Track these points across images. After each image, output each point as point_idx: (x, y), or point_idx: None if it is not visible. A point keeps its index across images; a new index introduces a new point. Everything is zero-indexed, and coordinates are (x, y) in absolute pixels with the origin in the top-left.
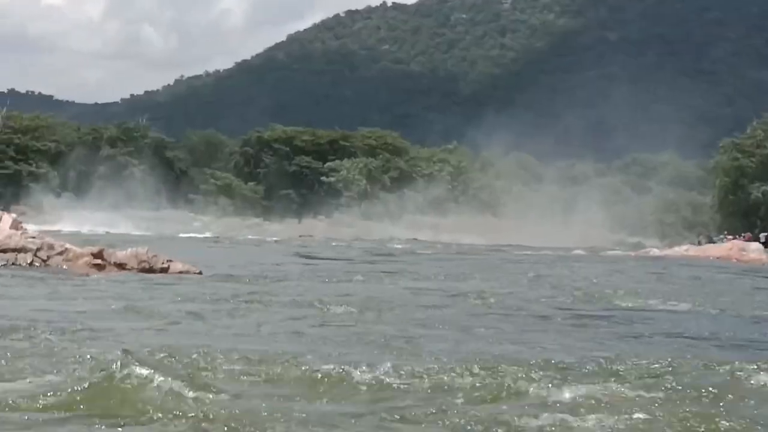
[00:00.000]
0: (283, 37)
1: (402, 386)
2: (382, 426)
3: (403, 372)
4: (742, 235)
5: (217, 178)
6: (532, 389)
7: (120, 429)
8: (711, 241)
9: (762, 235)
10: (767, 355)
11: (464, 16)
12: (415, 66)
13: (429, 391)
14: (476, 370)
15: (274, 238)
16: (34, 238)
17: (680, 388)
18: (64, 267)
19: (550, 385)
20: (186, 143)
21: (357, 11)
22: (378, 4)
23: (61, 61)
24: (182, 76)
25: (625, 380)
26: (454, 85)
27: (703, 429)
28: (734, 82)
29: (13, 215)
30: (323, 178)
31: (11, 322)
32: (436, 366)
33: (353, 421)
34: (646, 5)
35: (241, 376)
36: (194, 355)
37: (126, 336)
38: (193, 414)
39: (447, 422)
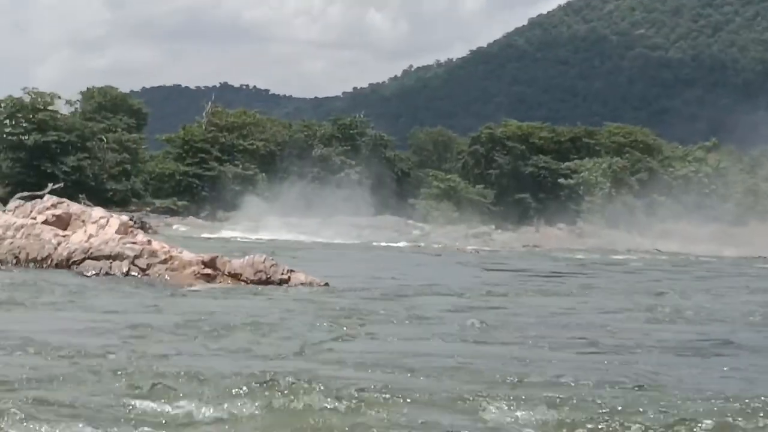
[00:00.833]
0: (524, 21)
1: None
2: None
3: None
4: None
5: (440, 180)
6: None
7: None
8: None
9: None
10: None
11: None
12: (675, 53)
13: None
14: None
15: (472, 248)
16: (135, 243)
17: None
18: (167, 277)
19: None
20: (412, 142)
21: None
22: None
23: (278, 52)
24: (411, 66)
25: None
26: (722, 74)
27: None
28: None
29: (124, 217)
30: (560, 180)
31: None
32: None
33: None
34: None
35: None
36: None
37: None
38: None
39: None
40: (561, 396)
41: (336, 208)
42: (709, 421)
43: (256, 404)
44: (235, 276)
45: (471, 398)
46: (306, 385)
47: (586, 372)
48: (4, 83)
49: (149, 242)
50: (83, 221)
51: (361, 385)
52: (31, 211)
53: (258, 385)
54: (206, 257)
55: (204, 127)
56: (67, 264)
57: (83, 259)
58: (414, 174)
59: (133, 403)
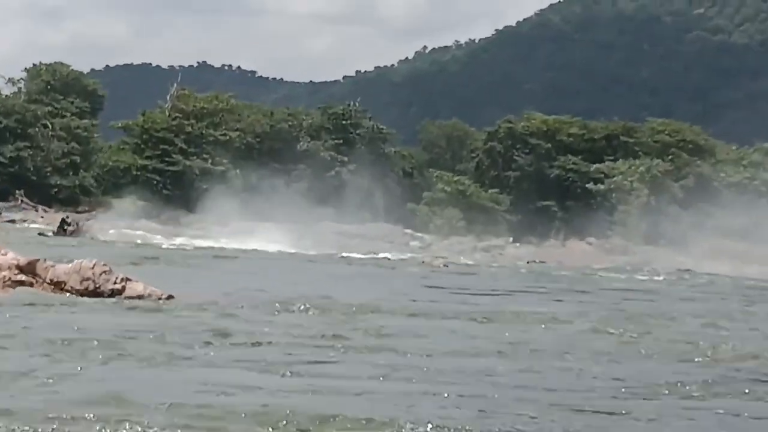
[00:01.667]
0: None
1: None
2: None
3: None
4: None
5: (446, 182)
6: None
7: None
8: None
9: None
10: None
11: None
12: (739, 37)
13: None
14: None
15: (443, 262)
16: None
17: None
18: None
19: None
20: (423, 137)
21: None
22: None
23: (268, 28)
24: (425, 47)
25: None
26: None
27: None
28: None
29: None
30: (589, 186)
31: None
32: None
33: None
34: None
35: None
36: None
37: None
38: None
39: None
40: None
41: (322, 214)
42: None
43: None
44: (59, 284)
45: None
46: None
47: None
48: None
49: None
50: None
51: None
52: None
53: None
54: (23, 261)
55: (167, 114)
56: None
57: None
58: (421, 174)
59: None
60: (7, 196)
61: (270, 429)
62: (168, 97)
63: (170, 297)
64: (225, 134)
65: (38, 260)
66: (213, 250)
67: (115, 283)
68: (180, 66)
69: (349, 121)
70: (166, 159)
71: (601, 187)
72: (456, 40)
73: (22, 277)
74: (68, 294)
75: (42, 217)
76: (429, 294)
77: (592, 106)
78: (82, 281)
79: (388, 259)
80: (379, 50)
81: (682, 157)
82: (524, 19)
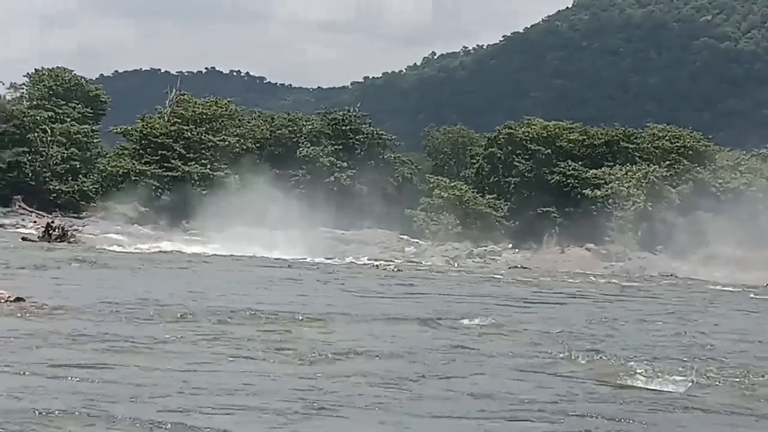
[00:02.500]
0: (568, 3)
1: None
2: None
3: None
4: None
5: (443, 188)
6: None
7: None
8: None
9: None
10: None
11: None
12: (747, 44)
13: None
14: None
15: (393, 265)
16: None
17: None
18: None
19: None
20: (428, 143)
21: None
22: None
23: (277, 34)
24: (433, 54)
25: None
26: None
27: None
28: None
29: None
30: (586, 192)
31: None
32: None
33: None
34: None
35: None
36: None
37: None
38: None
39: None
40: None
41: (319, 219)
42: None
43: None
44: None
45: None
46: None
47: None
48: None
49: None
50: None
51: None
52: None
53: None
54: None
55: (166, 119)
56: None
57: None
58: (423, 181)
59: None
60: (6, 201)
61: None
62: (167, 103)
63: (19, 299)
64: (224, 140)
65: None
66: (196, 256)
67: None
68: (188, 72)
69: (348, 127)
70: (165, 164)
71: (598, 192)
72: (464, 47)
73: None
74: None
75: (34, 222)
76: (325, 297)
77: (600, 114)
78: None
79: (354, 263)
80: (387, 57)
81: (682, 163)
82: (532, 26)
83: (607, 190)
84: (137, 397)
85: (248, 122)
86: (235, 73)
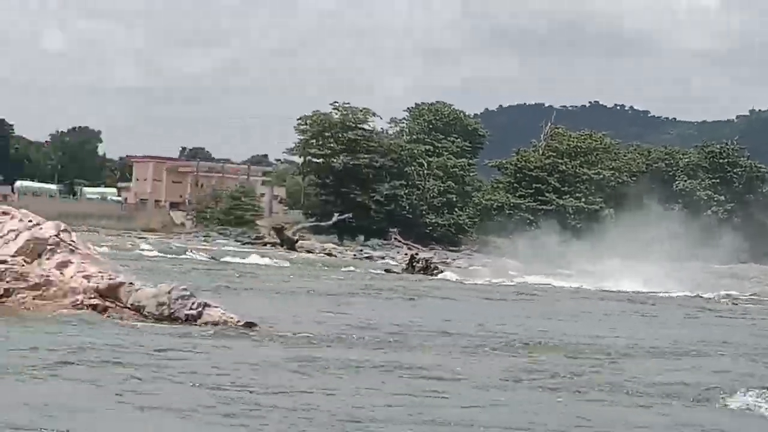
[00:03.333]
0: None
1: None
2: None
3: None
4: None
5: None
6: None
7: None
8: None
9: None
10: None
11: None
12: None
13: None
14: None
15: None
16: (3, 262)
17: None
18: (27, 308)
19: None
20: None
21: None
22: None
23: (662, 66)
24: None
25: None
26: None
27: None
28: None
29: (43, 231)
30: None
31: None
32: None
33: None
34: None
35: None
36: None
37: None
38: None
39: None
40: None
41: (695, 253)
42: None
43: None
44: (139, 309)
45: None
46: None
47: None
48: (339, 95)
49: (64, 265)
50: None
51: None
52: None
53: None
54: (103, 285)
55: (541, 152)
56: None
57: None
58: None
59: None
60: (382, 233)
61: None
62: (542, 136)
63: (250, 325)
64: (599, 173)
65: (122, 284)
66: (552, 289)
67: (191, 308)
68: (572, 106)
69: (726, 160)
70: (539, 197)
71: None
72: None
73: (97, 301)
74: (143, 319)
75: (405, 254)
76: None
77: None
78: (157, 306)
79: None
80: None
81: None
82: None
83: None
84: None
85: (624, 155)
86: (618, 107)
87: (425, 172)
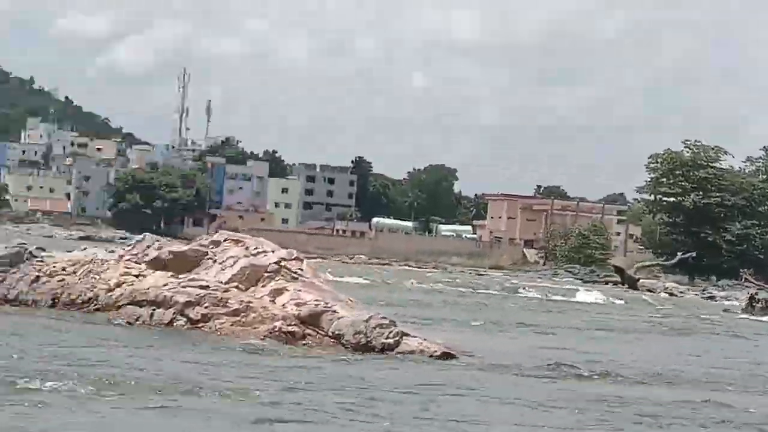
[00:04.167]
0: None
1: None
2: None
3: None
4: None
5: None
6: None
7: None
8: None
9: None
10: None
11: None
12: None
13: None
14: None
15: None
16: (199, 288)
17: None
18: (225, 333)
19: None
20: None
21: None
22: None
23: None
24: None
25: None
26: None
27: None
28: None
29: (264, 258)
30: None
31: None
32: None
33: None
34: None
35: None
36: None
37: None
38: None
39: None
40: None
41: None
42: None
43: None
44: (338, 337)
45: None
46: None
47: None
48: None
49: (279, 292)
50: (214, 261)
51: None
52: (147, 248)
53: None
54: (305, 312)
55: None
56: (115, 307)
57: (127, 304)
58: None
59: None
60: (733, 273)
61: None
62: None
63: (447, 355)
64: None
65: (325, 312)
66: None
67: (388, 337)
68: None
69: None
70: None
71: None
72: None
73: (296, 329)
74: (342, 348)
75: (749, 293)
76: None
77: None
78: (355, 334)
79: None
80: None
81: None
82: None
83: None
84: None
85: None
86: None
87: None
